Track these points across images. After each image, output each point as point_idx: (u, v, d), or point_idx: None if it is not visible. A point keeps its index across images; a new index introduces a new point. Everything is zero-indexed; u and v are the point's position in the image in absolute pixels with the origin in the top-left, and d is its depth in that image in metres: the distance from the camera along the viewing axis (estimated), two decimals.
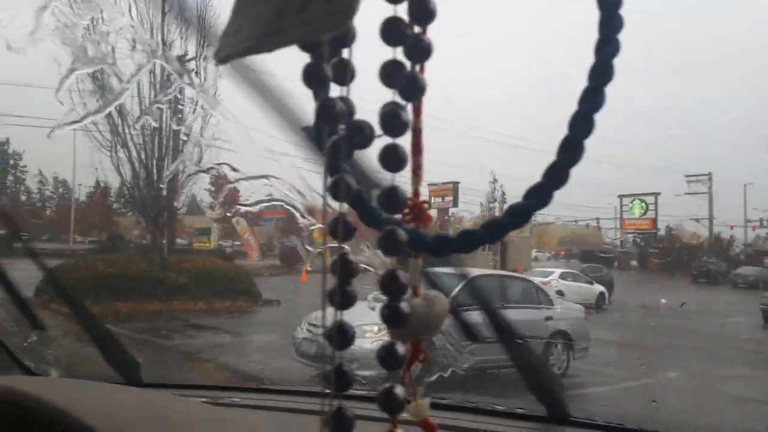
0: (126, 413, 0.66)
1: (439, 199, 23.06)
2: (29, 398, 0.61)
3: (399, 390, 0.29)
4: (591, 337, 7.06)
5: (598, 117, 0.30)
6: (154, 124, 11.26)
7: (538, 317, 6.73)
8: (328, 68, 0.26)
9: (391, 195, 0.26)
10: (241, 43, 0.26)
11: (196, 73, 12.22)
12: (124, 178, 11.32)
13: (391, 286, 0.27)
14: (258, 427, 0.89)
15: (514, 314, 6.52)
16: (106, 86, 10.80)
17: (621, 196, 26.95)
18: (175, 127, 11.89)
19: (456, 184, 22.83)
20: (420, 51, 0.26)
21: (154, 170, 11.26)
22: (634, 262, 26.29)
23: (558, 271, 15.46)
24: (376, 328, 5.87)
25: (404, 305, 0.27)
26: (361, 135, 0.26)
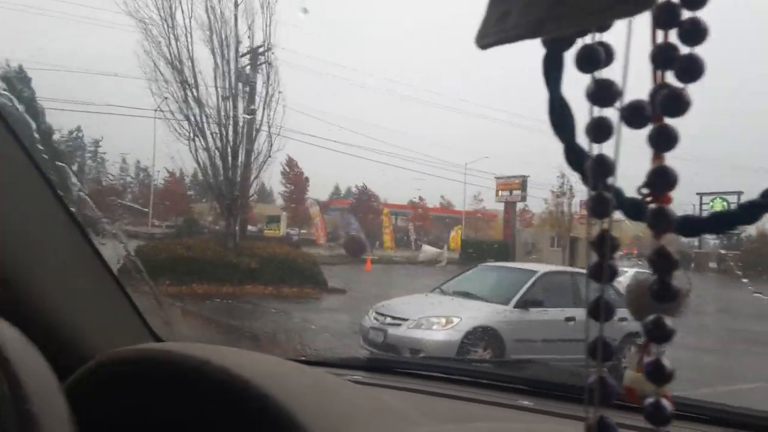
0: (295, 382, 0.69)
1: (507, 193, 22.65)
2: (201, 362, 0.65)
3: (666, 403, 0.29)
4: None
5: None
6: (229, 114, 11.67)
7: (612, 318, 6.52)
8: (601, 50, 0.26)
9: (661, 174, 0.26)
10: (511, 29, 0.26)
11: (268, 64, 12.56)
12: (200, 166, 11.78)
13: (661, 262, 0.27)
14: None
15: (585, 314, 6.34)
16: (185, 77, 11.34)
17: (700, 194, 25.62)
18: (248, 116, 12.28)
19: (525, 177, 22.34)
20: (697, 34, 0.26)
21: (229, 158, 11.66)
22: (712, 264, 24.97)
23: (631, 271, 14.86)
24: (443, 320, 5.88)
25: (675, 281, 0.28)
26: (641, 116, 0.27)
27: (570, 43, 0.28)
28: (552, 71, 0.30)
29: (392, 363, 1.28)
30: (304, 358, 1.27)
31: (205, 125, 11.44)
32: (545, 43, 0.29)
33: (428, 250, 21.18)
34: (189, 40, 11.10)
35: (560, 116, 0.30)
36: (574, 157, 0.30)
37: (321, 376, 0.80)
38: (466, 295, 6.50)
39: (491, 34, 0.27)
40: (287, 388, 0.64)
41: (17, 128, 0.83)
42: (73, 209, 0.90)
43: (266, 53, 11.54)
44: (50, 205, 0.86)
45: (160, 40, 10.96)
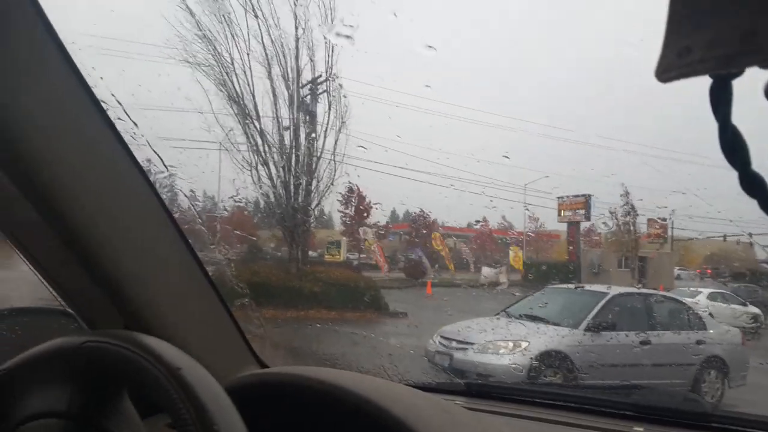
0: (425, 410, 0.71)
1: (570, 213, 22.13)
2: (332, 386, 0.68)
3: None
4: (749, 363, 6.41)
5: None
6: (291, 143, 12.07)
7: (688, 341, 6.22)
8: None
9: None
10: (697, 63, 0.27)
11: (328, 93, 12.95)
12: (263, 194, 12.17)
13: None
14: None
15: (661, 337, 6.08)
16: (247, 109, 11.84)
17: None
18: (309, 145, 12.66)
19: (588, 197, 21.78)
20: None
21: (291, 186, 11.98)
22: None
23: (706, 291, 14.24)
24: (511, 344, 5.77)
25: None
26: None
27: (741, 73, 0.29)
28: (722, 99, 0.31)
29: (491, 388, 1.28)
30: (406, 382, 1.28)
31: (268, 155, 11.84)
32: (715, 74, 0.30)
33: (489, 272, 20.87)
34: (249, 75, 11.58)
35: (732, 144, 0.31)
36: (749, 183, 0.31)
37: (445, 404, 0.81)
38: (534, 318, 6.36)
39: (674, 69, 0.28)
40: (421, 416, 0.66)
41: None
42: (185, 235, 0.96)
43: (327, 83, 11.88)
44: (169, 231, 0.92)
45: (222, 79, 11.51)
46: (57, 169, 0.76)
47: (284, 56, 11.59)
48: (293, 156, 12.09)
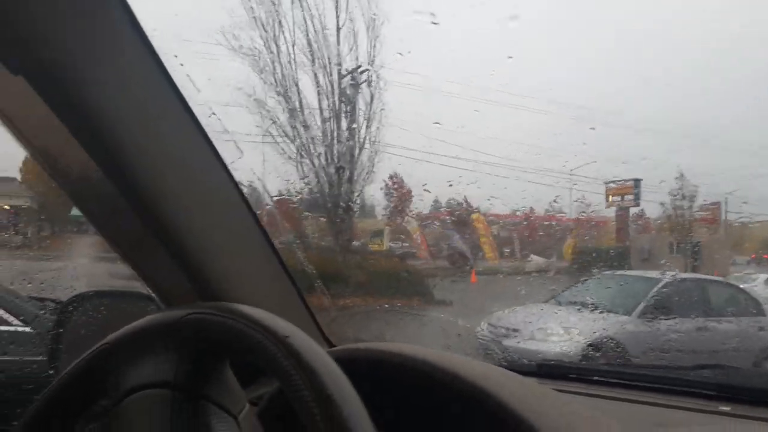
0: (521, 391, 0.71)
1: (618, 198, 21.57)
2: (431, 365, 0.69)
3: None
4: None
5: None
6: (333, 133, 12.18)
7: (747, 327, 6.01)
8: None
9: None
10: None
11: (368, 83, 12.98)
12: (307, 184, 12.32)
13: None
14: None
15: (718, 324, 5.89)
16: (291, 102, 11.99)
17: None
18: (350, 135, 12.74)
19: (638, 181, 21.17)
20: None
21: (335, 176, 12.09)
22: None
23: (763, 277, 13.72)
24: (561, 331, 5.69)
25: None
26: None
27: None
28: None
29: (565, 369, 1.27)
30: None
31: (311, 146, 11.97)
32: None
33: (536, 259, 20.58)
34: (293, 66, 11.70)
35: None
36: None
37: (529, 381, 0.81)
38: (585, 305, 6.26)
39: None
40: (516, 396, 0.66)
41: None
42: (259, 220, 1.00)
43: (367, 72, 11.91)
44: (245, 215, 0.95)
45: (266, 70, 11.66)
46: (143, 157, 0.80)
47: (326, 46, 11.69)
48: (336, 146, 12.19)
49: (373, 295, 10.70)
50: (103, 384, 0.68)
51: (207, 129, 0.87)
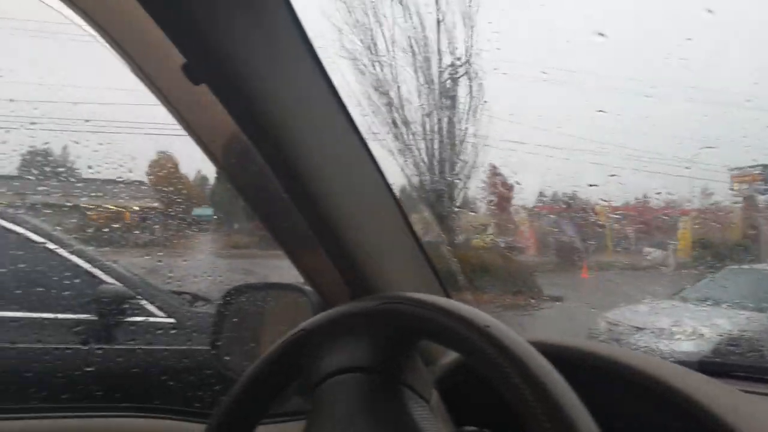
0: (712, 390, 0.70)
1: (745, 186, 19.81)
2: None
3: None
4: None
5: None
6: (434, 128, 12.18)
7: None
8: None
9: None
10: None
11: (468, 77, 12.81)
12: (408, 180, 12.42)
13: None
14: None
15: None
16: (390, 99, 12.11)
17: None
18: (450, 128, 12.67)
19: (767, 167, 19.30)
20: None
21: (436, 171, 12.09)
22: None
23: None
24: (689, 329, 5.33)
25: None
26: None
27: None
28: None
29: (730, 367, 1.20)
30: None
31: (412, 141, 12.05)
32: None
33: (653, 253, 19.38)
34: (393, 64, 11.83)
35: None
36: None
37: (716, 381, 0.79)
38: (712, 302, 5.83)
39: None
40: (708, 395, 0.64)
41: None
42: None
43: (467, 65, 11.79)
44: (396, 213, 0.99)
45: (365, 69, 11.87)
46: (308, 160, 0.85)
47: (426, 40, 11.69)
48: (436, 140, 12.18)
49: (479, 291, 10.58)
50: (297, 368, 0.74)
51: (362, 130, 0.91)
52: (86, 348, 2.62)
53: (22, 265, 2.64)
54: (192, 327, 2.94)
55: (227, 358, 1.34)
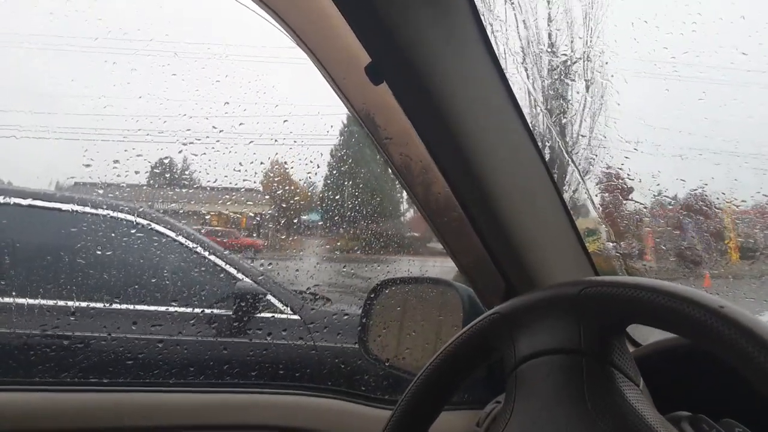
0: None
1: None
2: None
3: None
4: None
5: None
6: (546, 129, 11.84)
7: None
8: None
9: None
10: None
11: (584, 73, 12.29)
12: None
13: None
14: None
15: None
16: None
17: None
18: (562, 130, 12.23)
19: None
20: None
21: (549, 171, 11.77)
22: None
23: None
24: None
25: None
26: None
27: None
28: None
29: None
30: None
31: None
32: None
33: None
34: (505, 62, 11.65)
35: None
36: None
37: None
38: None
39: None
40: None
41: None
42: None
43: (583, 61, 11.39)
44: (558, 207, 1.00)
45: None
46: (477, 160, 0.88)
47: (538, 40, 11.45)
48: (548, 142, 11.84)
49: None
50: (490, 350, 0.76)
51: (534, 130, 0.92)
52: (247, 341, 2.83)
53: (178, 265, 2.90)
54: (317, 324, 3.08)
55: (372, 347, 1.40)
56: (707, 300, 0.59)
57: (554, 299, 0.74)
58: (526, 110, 0.91)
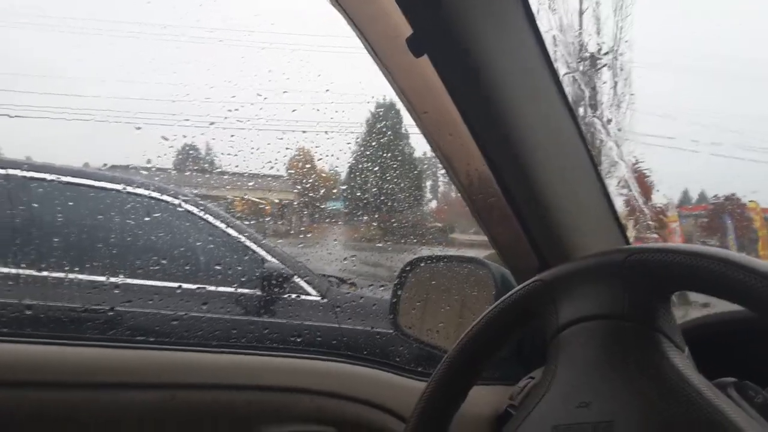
0: None
1: None
2: None
3: None
4: None
5: None
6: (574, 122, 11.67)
7: None
8: None
9: None
10: None
11: (613, 67, 12.09)
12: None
13: None
14: None
15: None
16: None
17: None
18: (592, 121, 12.05)
19: None
20: None
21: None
22: None
23: None
24: None
25: None
26: None
27: None
28: None
29: None
30: None
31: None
32: None
33: None
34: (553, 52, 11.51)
35: None
36: None
37: None
38: None
39: None
40: None
41: None
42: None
43: (612, 54, 11.17)
44: (597, 186, 1.02)
45: None
46: (520, 132, 0.89)
47: (568, 32, 11.29)
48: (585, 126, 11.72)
49: None
50: (531, 315, 0.78)
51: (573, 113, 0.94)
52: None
53: (210, 246, 2.99)
54: (343, 307, 3.13)
55: (402, 321, 1.44)
56: (760, 266, 0.59)
57: (599, 265, 0.74)
58: (568, 89, 0.93)
